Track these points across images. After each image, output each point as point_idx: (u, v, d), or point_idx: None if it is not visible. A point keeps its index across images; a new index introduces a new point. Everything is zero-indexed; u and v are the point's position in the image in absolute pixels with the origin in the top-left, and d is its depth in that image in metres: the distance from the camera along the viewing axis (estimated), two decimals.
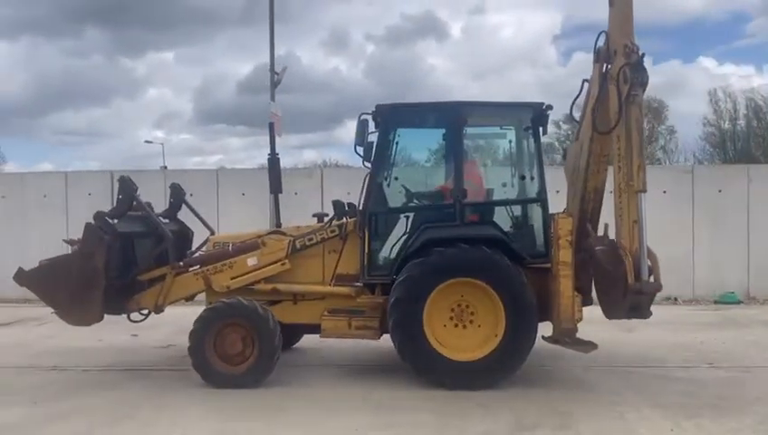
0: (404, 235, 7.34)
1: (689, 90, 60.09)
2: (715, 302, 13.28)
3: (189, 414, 6.30)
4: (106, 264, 7.17)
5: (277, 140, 9.33)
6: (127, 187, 7.56)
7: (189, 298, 8.02)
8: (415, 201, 7.67)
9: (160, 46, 79.91)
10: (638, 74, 6.57)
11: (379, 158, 7.31)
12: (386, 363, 7.95)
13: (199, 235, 8.72)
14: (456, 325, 7.02)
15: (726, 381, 7.30)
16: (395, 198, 7.57)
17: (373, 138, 7.28)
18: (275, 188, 8.10)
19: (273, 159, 8.33)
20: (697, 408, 6.29)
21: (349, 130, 74.35)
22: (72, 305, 7.32)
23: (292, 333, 8.09)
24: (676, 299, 13.11)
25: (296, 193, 13.01)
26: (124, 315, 7.97)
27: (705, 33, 64.79)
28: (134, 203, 7.59)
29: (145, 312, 8.02)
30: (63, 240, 7.99)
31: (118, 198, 7.62)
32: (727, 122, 42.53)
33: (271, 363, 7.11)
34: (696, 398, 6.60)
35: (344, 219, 7.58)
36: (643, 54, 6.65)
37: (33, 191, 14.47)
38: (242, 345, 7.09)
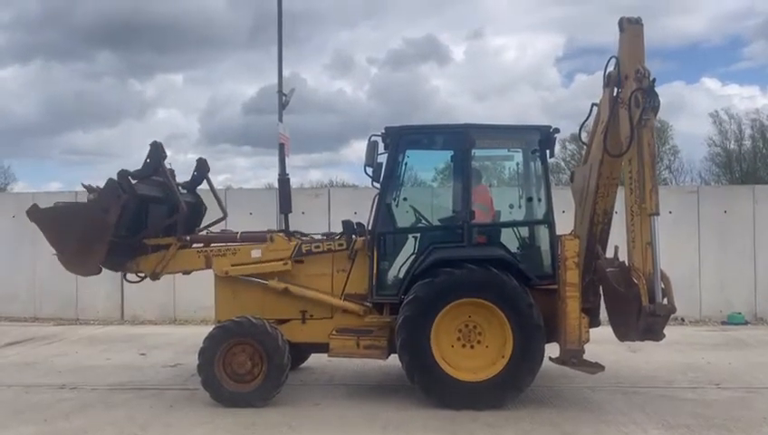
0: (412, 255, 7.40)
1: (694, 110, 60.39)
2: (722, 322, 13.25)
3: (197, 433, 6.34)
4: (118, 221, 7.24)
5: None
6: (156, 152, 7.62)
7: (187, 272, 8.17)
8: (423, 222, 7.75)
9: (169, 69, 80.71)
10: (649, 99, 6.63)
11: (388, 178, 7.38)
12: (393, 383, 7.98)
13: (211, 213, 8.86)
14: (464, 346, 7.05)
15: (733, 401, 7.30)
16: (403, 218, 7.65)
17: (383, 159, 7.36)
18: (285, 207, 8.18)
19: (284, 179, 8.44)
20: (704, 429, 6.29)
21: (354, 150, 74.71)
22: (74, 253, 7.41)
23: (300, 351, 8.12)
24: (682, 319, 13.09)
25: (303, 213, 13.07)
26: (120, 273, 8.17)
27: (704, 55, 65.48)
28: (159, 169, 7.65)
29: (141, 275, 8.08)
30: (83, 184, 7.89)
31: (145, 162, 7.65)
32: (733, 143, 42.59)
33: (279, 382, 7.15)
34: (703, 419, 6.60)
35: (353, 238, 7.65)
36: (654, 79, 6.71)
37: None
38: (251, 364, 7.14)
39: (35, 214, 7.55)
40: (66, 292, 14.28)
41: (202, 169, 8.62)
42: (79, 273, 7.85)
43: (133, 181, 7.48)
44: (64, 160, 68.98)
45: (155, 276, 7.91)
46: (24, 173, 64.81)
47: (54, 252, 7.57)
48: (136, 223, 7.71)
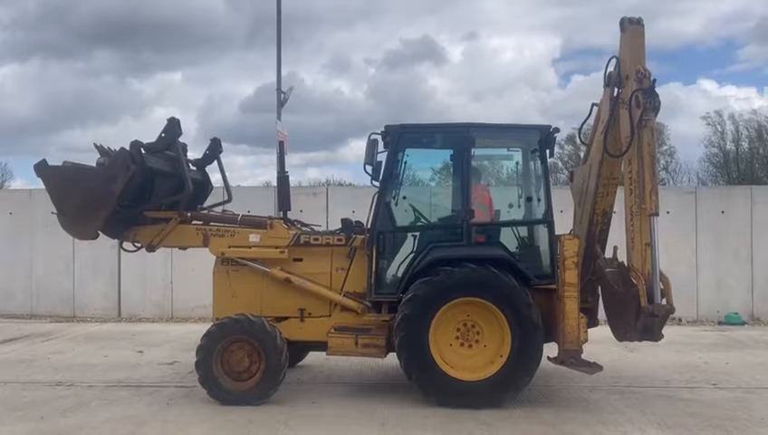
0: (411, 254, 7.39)
1: (690, 111, 60.59)
2: (719, 323, 13.27)
3: (194, 431, 6.32)
4: (123, 191, 7.23)
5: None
6: (173, 128, 7.63)
7: (183, 248, 8.24)
8: (422, 221, 7.74)
9: (168, 67, 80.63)
10: (650, 99, 6.63)
11: (388, 177, 7.36)
12: (391, 382, 7.98)
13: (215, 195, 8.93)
14: (462, 345, 7.05)
15: (730, 401, 7.30)
16: (403, 217, 7.63)
17: (382, 157, 7.34)
18: (284, 205, 8.17)
19: (283, 177, 8.41)
20: (701, 429, 6.30)
21: (352, 149, 74.71)
22: (74, 215, 7.43)
23: (298, 350, 8.13)
24: (680, 320, 13.10)
25: (301, 211, 13.04)
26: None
27: (701, 57, 65.87)
28: (172, 145, 7.67)
29: (138, 245, 8.07)
30: (95, 144, 7.73)
31: (160, 135, 7.65)
32: (730, 143, 42.66)
33: (277, 380, 7.14)
34: (700, 418, 6.61)
35: (352, 236, 7.63)
36: (655, 80, 6.72)
37: (40, 208, 14.46)
38: (248, 362, 7.12)
39: (43, 170, 7.52)
40: (63, 289, 14.28)
41: (215, 149, 8.58)
42: (76, 236, 7.87)
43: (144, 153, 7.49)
44: (62, 158, 68.27)
45: (151, 248, 7.93)
46: (22, 170, 64.67)
47: (55, 211, 7.58)
48: (141, 195, 7.67)
